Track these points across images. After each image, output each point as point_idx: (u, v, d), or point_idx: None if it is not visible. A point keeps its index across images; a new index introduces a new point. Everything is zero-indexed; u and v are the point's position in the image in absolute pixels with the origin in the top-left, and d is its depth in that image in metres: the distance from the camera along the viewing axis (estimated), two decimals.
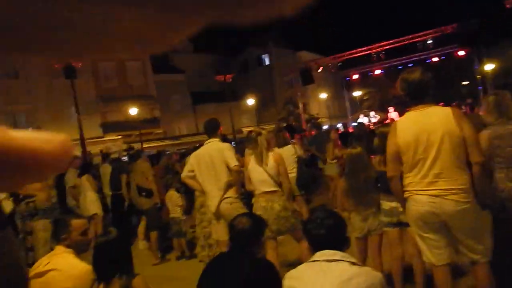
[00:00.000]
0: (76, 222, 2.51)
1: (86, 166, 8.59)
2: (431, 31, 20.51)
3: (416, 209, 2.90)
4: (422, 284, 3.45)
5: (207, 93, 34.73)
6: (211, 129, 4.65)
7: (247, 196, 5.01)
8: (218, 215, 4.52)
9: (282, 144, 5.94)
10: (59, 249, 2.45)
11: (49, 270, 2.27)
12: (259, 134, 4.24)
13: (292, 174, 5.68)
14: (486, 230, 2.91)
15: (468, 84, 30.50)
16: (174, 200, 6.25)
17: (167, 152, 11.21)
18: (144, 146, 21.66)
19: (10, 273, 0.89)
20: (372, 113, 24.46)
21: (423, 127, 2.86)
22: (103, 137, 27.21)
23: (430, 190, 2.83)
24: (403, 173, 3.02)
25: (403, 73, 3.10)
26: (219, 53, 39.44)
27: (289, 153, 5.77)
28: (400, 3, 70.52)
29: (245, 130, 25.47)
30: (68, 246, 2.44)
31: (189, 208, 6.44)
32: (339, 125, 25.21)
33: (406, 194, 2.99)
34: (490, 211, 3.05)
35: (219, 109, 29.12)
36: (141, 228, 6.78)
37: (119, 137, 27.23)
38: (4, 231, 0.92)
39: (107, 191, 7.84)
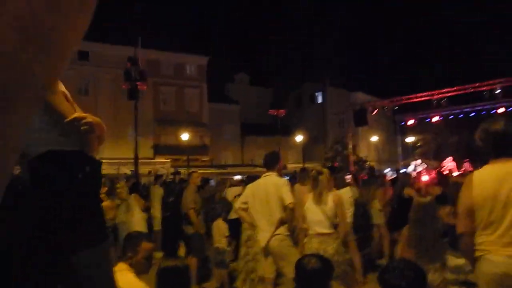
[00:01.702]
0: (146, 245, 2.50)
1: (136, 185, 8.84)
2: (502, 79, 18.88)
3: (490, 270, 2.65)
4: None
5: (258, 125, 35.13)
6: (271, 162, 4.59)
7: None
8: (267, 251, 4.38)
9: (341, 185, 5.76)
10: (122, 266, 2.44)
11: None
12: (321, 173, 4.11)
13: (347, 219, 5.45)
14: None
15: None
16: (221, 229, 6.18)
17: (212, 180, 11.28)
18: (190, 172, 21.94)
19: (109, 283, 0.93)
20: (418, 161, 22.74)
21: (504, 182, 2.65)
22: (153, 159, 28.04)
23: (508, 251, 2.60)
24: (476, 230, 2.80)
25: (484, 122, 2.92)
26: (275, 87, 40.08)
27: (347, 195, 5.58)
28: (465, 49, 66.81)
29: (290, 166, 25.28)
30: (130, 265, 2.43)
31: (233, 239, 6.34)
32: (387, 171, 24.10)
33: (477, 253, 2.75)
34: None
35: (267, 142, 29.27)
36: (181, 253, 6.76)
37: (168, 160, 27.95)
38: (108, 242, 0.98)
39: (156, 212, 7.92)
